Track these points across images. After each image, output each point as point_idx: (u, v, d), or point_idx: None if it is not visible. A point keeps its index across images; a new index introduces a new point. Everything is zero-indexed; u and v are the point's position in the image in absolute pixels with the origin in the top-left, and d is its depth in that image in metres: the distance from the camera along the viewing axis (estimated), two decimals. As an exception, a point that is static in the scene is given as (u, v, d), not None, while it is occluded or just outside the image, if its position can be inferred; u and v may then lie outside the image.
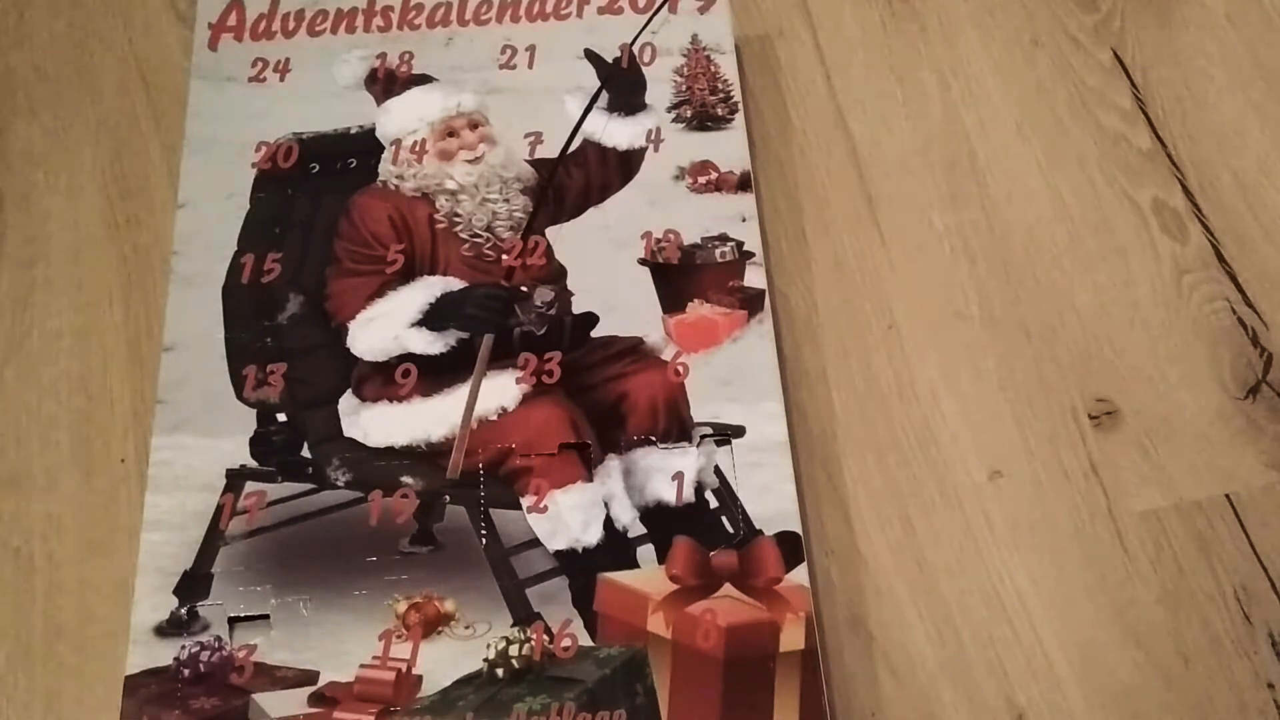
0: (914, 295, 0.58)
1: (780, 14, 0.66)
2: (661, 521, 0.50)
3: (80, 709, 0.49)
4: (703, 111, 0.59)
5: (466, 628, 0.48)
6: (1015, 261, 0.59)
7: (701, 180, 0.58)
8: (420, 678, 0.47)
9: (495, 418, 0.52)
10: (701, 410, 0.52)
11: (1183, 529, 0.53)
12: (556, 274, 0.56)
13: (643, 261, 0.56)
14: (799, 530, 0.50)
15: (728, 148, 0.59)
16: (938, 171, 0.61)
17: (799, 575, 0.49)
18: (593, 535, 0.50)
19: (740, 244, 0.56)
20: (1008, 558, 0.52)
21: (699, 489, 0.51)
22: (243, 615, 0.48)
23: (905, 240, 0.59)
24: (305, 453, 0.52)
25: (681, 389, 0.53)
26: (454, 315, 0.54)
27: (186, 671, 0.46)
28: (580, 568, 0.49)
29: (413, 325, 0.54)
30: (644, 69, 0.60)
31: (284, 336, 0.54)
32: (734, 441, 0.52)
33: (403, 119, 0.58)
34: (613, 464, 0.51)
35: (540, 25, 0.62)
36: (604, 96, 0.59)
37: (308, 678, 0.47)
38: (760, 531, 0.50)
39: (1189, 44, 0.65)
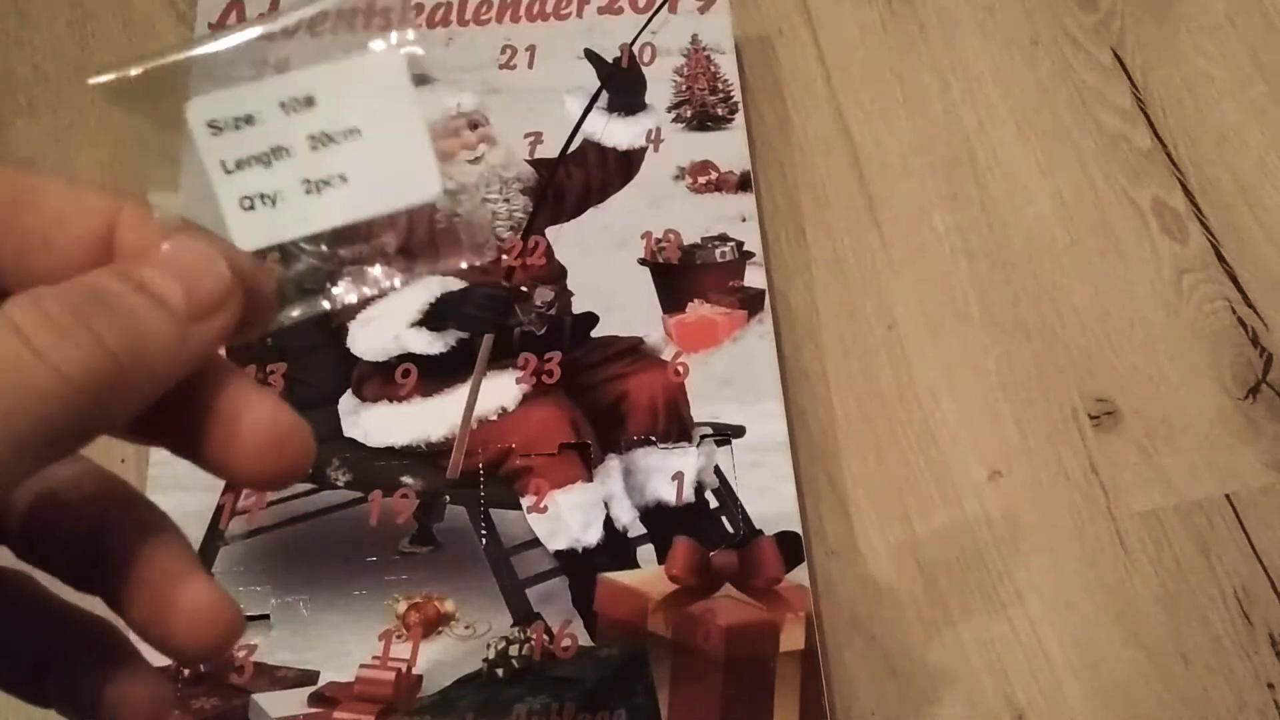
0: (914, 295, 0.58)
1: (780, 14, 0.66)
2: (661, 521, 0.50)
3: (80, 709, 0.49)
4: (703, 111, 0.59)
5: (466, 628, 0.48)
6: (1015, 261, 0.59)
7: (701, 180, 0.58)
8: (420, 678, 0.47)
9: (495, 418, 0.52)
10: (701, 410, 0.52)
11: (1183, 529, 0.53)
12: (556, 274, 0.56)
13: (643, 261, 0.56)
14: (799, 530, 0.50)
15: (728, 148, 0.58)
16: (938, 171, 0.61)
17: (799, 575, 0.49)
18: (593, 535, 0.50)
19: (740, 244, 0.56)
20: (1007, 558, 0.52)
21: (699, 489, 0.51)
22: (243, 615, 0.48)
23: (905, 240, 0.59)
24: (305, 453, 0.51)
25: (681, 389, 0.53)
26: (454, 315, 0.54)
27: (186, 671, 0.46)
28: (580, 568, 0.49)
29: (413, 325, 0.54)
30: (644, 69, 0.60)
31: (284, 336, 0.54)
32: (734, 441, 0.52)
33: None
34: (613, 464, 0.51)
35: (540, 25, 0.62)
36: (604, 96, 0.59)
37: (308, 678, 0.47)
38: (760, 531, 0.50)
39: (1189, 44, 0.65)
